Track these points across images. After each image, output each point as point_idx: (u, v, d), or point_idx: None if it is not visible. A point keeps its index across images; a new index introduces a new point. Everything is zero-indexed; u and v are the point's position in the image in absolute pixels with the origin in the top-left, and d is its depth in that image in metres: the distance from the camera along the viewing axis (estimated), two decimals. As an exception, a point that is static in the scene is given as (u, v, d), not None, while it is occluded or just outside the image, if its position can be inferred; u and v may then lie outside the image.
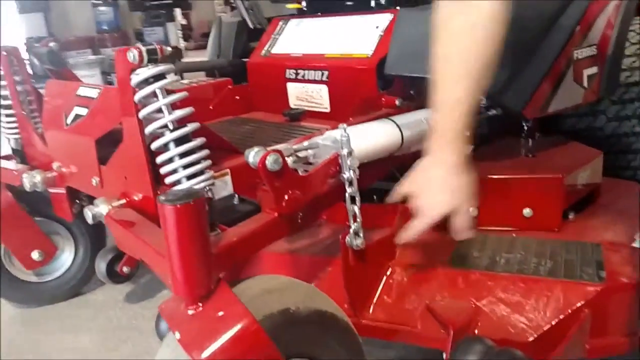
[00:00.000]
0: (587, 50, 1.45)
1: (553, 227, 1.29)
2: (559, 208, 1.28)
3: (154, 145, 0.93)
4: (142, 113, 0.92)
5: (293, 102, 1.78)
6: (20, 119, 1.52)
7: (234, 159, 1.20)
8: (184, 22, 9.77)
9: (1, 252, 1.67)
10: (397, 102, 1.50)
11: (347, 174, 1.04)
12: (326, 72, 1.64)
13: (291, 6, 1.86)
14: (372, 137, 1.13)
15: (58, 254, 1.74)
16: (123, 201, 1.11)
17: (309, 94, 1.71)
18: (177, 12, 8.58)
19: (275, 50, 1.85)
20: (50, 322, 1.67)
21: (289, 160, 1.03)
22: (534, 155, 1.42)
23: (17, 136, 1.57)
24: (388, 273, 1.21)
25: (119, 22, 6.99)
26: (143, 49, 0.90)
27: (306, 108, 1.73)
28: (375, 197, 1.53)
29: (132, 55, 0.90)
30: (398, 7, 1.59)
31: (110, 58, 6.43)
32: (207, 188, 0.96)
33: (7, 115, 1.55)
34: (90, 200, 1.17)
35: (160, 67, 0.91)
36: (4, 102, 1.54)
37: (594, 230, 1.30)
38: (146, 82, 0.91)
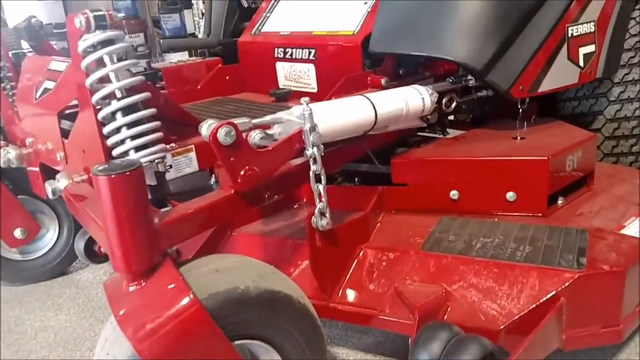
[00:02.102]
0: (584, 27, 1.37)
1: (538, 211, 1.22)
2: (544, 192, 1.21)
3: (100, 115, 0.89)
4: (89, 81, 0.88)
5: (282, 83, 1.73)
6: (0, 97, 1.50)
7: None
8: (203, 9, 9.75)
9: (-17, 229, 1.66)
10: (382, 82, 1.43)
11: (311, 151, 0.99)
12: (313, 51, 1.59)
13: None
14: (341, 113, 1.08)
15: (42, 232, 1.73)
16: (85, 176, 1.08)
17: (297, 74, 1.67)
18: (196, -2, 8.55)
19: (266, 29, 1.80)
20: (33, 300, 1.66)
21: (256, 136, 0.98)
22: (523, 138, 1.35)
23: (-2, 113, 1.56)
24: (360, 256, 1.16)
25: (136, 9, 7.00)
26: (90, 14, 0.86)
27: (294, 88, 1.69)
28: (357, 179, 1.48)
29: (79, 21, 0.86)
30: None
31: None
32: (157, 161, 0.92)
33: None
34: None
35: (108, 33, 0.87)
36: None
37: (581, 216, 1.23)
38: (94, 48, 0.87)
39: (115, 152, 0.90)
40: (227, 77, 1.87)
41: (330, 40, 1.54)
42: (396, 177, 1.30)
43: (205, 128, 0.90)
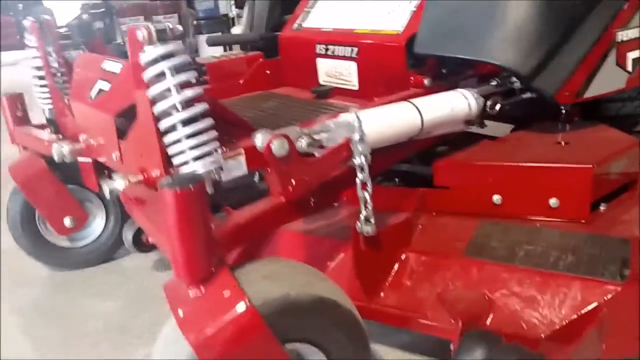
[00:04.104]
0: (634, 32, 1.35)
1: (581, 218, 1.23)
2: (587, 199, 1.21)
3: (162, 126, 0.93)
4: (152, 92, 0.92)
5: (322, 79, 1.75)
6: (52, 90, 1.55)
7: (249, 139, 1.19)
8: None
9: (36, 217, 1.73)
10: (426, 82, 1.44)
11: (358, 160, 1.01)
12: (355, 49, 1.60)
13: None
14: (388, 121, 1.10)
15: (90, 220, 1.80)
16: (140, 177, 1.13)
17: (338, 71, 1.68)
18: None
19: (307, 24, 1.81)
20: (80, 286, 1.75)
21: (303, 142, 1.01)
22: (567, 142, 1.34)
23: (50, 106, 1.61)
24: (402, 259, 1.19)
25: (170, -11, 7.03)
26: (152, 28, 0.90)
27: (335, 85, 1.70)
28: (397, 179, 1.50)
29: (142, 34, 0.90)
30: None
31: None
32: (215, 171, 0.96)
33: (41, 86, 1.59)
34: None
35: (169, 46, 0.91)
36: (37, 73, 1.58)
37: (624, 224, 1.23)
38: (155, 61, 0.91)
39: (175, 162, 0.94)
40: (268, 72, 1.89)
41: (373, 39, 1.55)
42: (438, 179, 1.31)
43: (260, 139, 0.93)
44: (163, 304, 0.90)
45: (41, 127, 1.69)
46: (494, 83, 1.38)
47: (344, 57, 1.64)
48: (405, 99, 1.36)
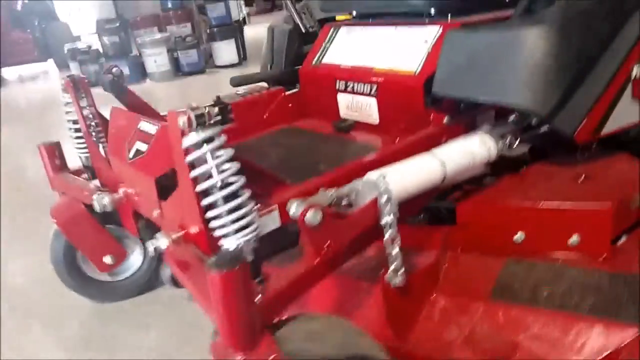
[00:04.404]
0: (648, 65, 1.38)
1: (602, 253, 1.28)
2: (607, 237, 1.26)
3: (204, 202, 1.00)
4: (194, 173, 0.99)
5: (343, 112, 1.81)
6: (88, 141, 1.64)
7: (281, 192, 1.26)
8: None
9: (78, 255, 1.83)
10: (445, 120, 1.50)
11: (386, 219, 1.08)
12: (374, 87, 1.65)
13: (341, 17, 1.86)
14: (413, 177, 1.16)
15: (128, 255, 1.90)
16: (181, 233, 1.20)
17: (358, 106, 1.74)
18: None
19: (326, 59, 1.87)
20: (124, 317, 1.84)
21: (333, 207, 1.07)
22: (586, 176, 1.38)
23: (86, 154, 1.70)
24: (431, 300, 1.25)
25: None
26: (192, 115, 0.96)
27: (356, 119, 1.76)
28: (422, 215, 1.55)
29: (182, 121, 0.97)
30: (447, 19, 1.56)
31: (175, 36, 6.62)
32: (254, 240, 1.03)
33: (77, 137, 1.68)
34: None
35: (208, 132, 0.97)
36: (73, 126, 1.67)
37: (645, 259, 1.27)
38: (196, 146, 0.98)
39: (217, 234, 1.01)
40: (290, 105, 1.96)
41: (391, 79, 1.60)
42: (461, 219, 1.37)
43: (294, 209, 1.00)
44: (203, 335, 0.98)
45: (78, 172, 1.78)
46: (511, 119, 1.42)
47: (364, 94, 1.70)
48: (426, 140, 1.44)
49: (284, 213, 1.22)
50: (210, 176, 0.99)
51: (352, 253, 1.16)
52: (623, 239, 1.31)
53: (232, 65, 6.72)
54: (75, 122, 1.66)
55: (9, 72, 9.16)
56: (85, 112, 1.62)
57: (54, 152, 1.77)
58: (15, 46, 8.62)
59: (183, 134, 0.99)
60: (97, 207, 1.50)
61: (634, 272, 1.20)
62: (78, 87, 1.62)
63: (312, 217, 0.97)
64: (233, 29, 6.75)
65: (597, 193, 1.30)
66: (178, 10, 6.91)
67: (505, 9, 1.61)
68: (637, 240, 1.33)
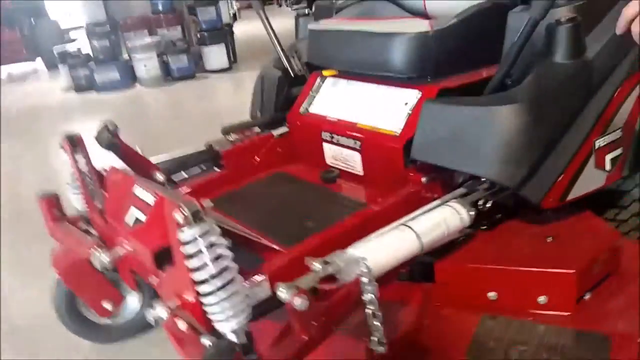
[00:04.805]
0: (611, 136, 1.48)
1: (568, 311, 1.38)
2: (572, 297, 1.37)
3: (199, 288, 1.09)
4: (190, 265, 1.08)
5: (329, 160, 1.90)
6: (85, 196, 1.71)
7: (270, 260, 1.36)
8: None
9: (78, 301, 1.92)
10: (423, 180, 1.60)
11: (368, 296, 1.18)
12: (358, 142, 1.75)
13: (327, 73, 1.94)
14: (392, 252, 1.26)
15: (127, 299, 1.98)
16: (178, 302, 1.29)
17: (343, 157, 1.83)
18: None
19: (313, 109, 1.96)
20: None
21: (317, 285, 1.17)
22: (553, 237, 1.49)
23: (84, 206, 1.77)
24: None
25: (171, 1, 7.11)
26: (187, 212, 1.05)
27: (342, 168, 1.86)
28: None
29: (179, 217, 1.06)
30: (426, 81, 1.65)
31: (165, 40, 6.65)
32: (248, 324, 1.12)
33: (74, 191, 1.75)
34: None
35: (204, 226, 1.06)
36: (70, 180, 1.74)
37: (606, 317, 1.38)
38: (192, 239, 1.07)
39: (211, 317, 1.10)
40: (279, 149, 2.05)
41: (374, 137, 1.70)
42: (439, 277, 1.47)
43: (284, 294, 1.10)
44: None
45: (76, 220, 1.85)
46: (484, 186, 1.52)
47: (348, 147, 1.79)
48: (406, 200, 1.54)
49: (273, 282, 1.31)
50: (205, 264, 1.08)
51: (337, 324, 1.26)
52: (587, 296, 1.43)
53: (222, 70, 6.76)
54: (72, 174, 1.73)
55: (-1, 71, 9.13)
56: (82, 168, 1.69)
57: (53, 203, 1.84)
58: (4, 45, 8.58)
59: (179, 225, 1.08)
60: (97, 266, 1.58)
61: (595, 331, 1.32)
62: (75, 145, 1.69)
63: (301, 304, 1.07)
64: (223, 33, 6.78)
65: (563, 255, 1.41)
66: (168, 14, 6.92)
67: (482, 68, 1.70)
68: (600, 296, 1.44)
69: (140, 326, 2.03)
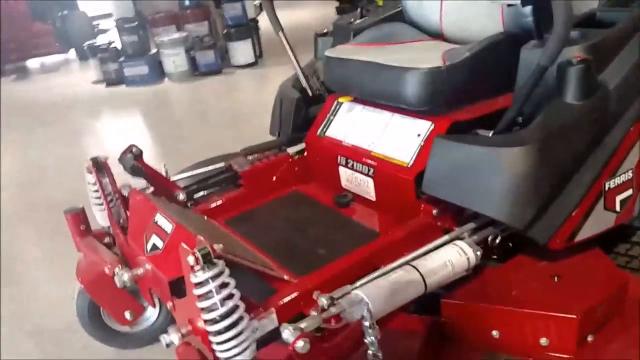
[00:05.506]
0: (622, 177, 1.49)
1: (569, 354, 1.41)
2: (574, 340, 1.39)
3: (208, 328, 1.16)
4: (200, 305, 1.15)
5: (344, 183, 1.94)
6: (110, 218, 1.79)
7: (279, 292, 1.41)
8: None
9: (101, 311, 2.02)
10: (434, 212, 1.63)
11: (369, 339, 1.22)
12: (372, 169, 1.78)
13: (342, 100, 1.98)
14: (396, 294, 1.30)
15: (148, 309, 2.07)
16: (189, 327, 1.36)
17: (357, 182, 1.87)
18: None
19: (329, 132, 2.00)
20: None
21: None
22: (559, 276, 1.50)
23: (108, 223, 1.86)
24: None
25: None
26: (199, 255, 1.12)
27: (355, 192, 1.90)
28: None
29: (192, 259, 1.12)
30: (438, 113, 1.68)
31: (192, 36, 6.73)
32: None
33: (100, 210, 1.84)
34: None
35: (214, 269, 1.12)
36: (96, 201, 1.82)
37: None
38: (204, 282, 1.13)
39: (219, 355, 1.17)
40: (296, 169, 2.10)
41: (386, 166, 1.73)
42: (445, 313, 1.51)
43: (286, 335, 1.15)
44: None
45: (101, 235, 1.94)
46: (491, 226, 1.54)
47: (362, 173, 1.83)
48: (416, 233, 1.57)
49: (281, 316, 1.37)
50: (214, 304, 1.15)
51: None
52: (590, 338, 1.44)
53: (248, 65, 6.81)
54: (98, 197, 1.81)
55: (32, 62, 9.36)
56: (107, 190, 1.77)
57: (79, 218, 1.93)
58: (36, 38, 8.79)
59: (192, 268, 1.14)
60: (117, 284, 1.66)
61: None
62: (100, 169, 1.76)
63: (302, 347, 1.13)
64: (249, 29, 6.81)
65: (567, 298, 1.43)
66: (195, 9, 6.99)
67: (497, 96, 1.71)
68: (603, 339, 1.46)
69: (158, 335, 2.11)
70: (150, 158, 4.23)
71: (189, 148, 4.10)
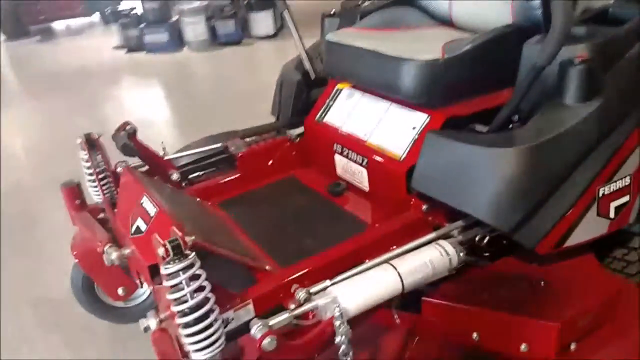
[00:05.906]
0: (618, 184, 1.43)
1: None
2: (554, 348, 1.36)
3: (177, 321, 1.16)
4: (170, 296, 1.15)
5: (339, 171, 1.92)
6: (103, 198, 1.80)
7: (258, 284, 1.41)
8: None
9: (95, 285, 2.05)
10: (424, 207, 1.60)
11: (340, 338, 1.21)
12: (366, 159, 1.75)
13: (341, 86, 1.93)
14: (371, 292, 1.28)
15: (142, 284, 2.10)
16: (168, 312, 1.37)
17: (352, 171, 1.84)
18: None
19: (327, 118, 1.96)
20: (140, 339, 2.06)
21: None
22: (545, 282, 1.47)
23: (101, 199, 1.87)
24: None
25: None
26: (169, 246, 1.11)
27: (350, 181, 1.87)
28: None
29: (161, 251, 1.12)
30: (435, 106, 1.63)
31: (213, 4, 6.66)
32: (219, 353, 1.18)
33: (93, 187, 1.85)
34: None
35: (184, 263, 1.12)
36: (89, 177, 1.83)
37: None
38: (174, 274, 1.13)
39: (189, 348, 1.17)
40: (294, 153, 2.08)
41: (380, 158, 1.69)
42: (425, 312, 1.49)
43: (254, 332, 1.15)
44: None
45: (94, 210, 1.95)
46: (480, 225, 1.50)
47: (356, 162, 1.80)
48: (405, 228, 1.54)
49: (258, 307, 1.36)
50: (183, 297, 1.15)
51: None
52: (573, 346, 1.41)
53: (268, 37, 6.74)
54: (91, 174, 1.82)
55: (58, 24, 9.42)
56: (99, 169, 1.77)
57: (74, 192, 1.94)
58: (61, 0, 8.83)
59: (163, 259, 1.14)
60: (105, 262, 1.68)
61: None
62: (93, 146, 1.77)
63: (268, 344, 1.12)
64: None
65: (551, 305, 1.39)
66: (219, -20, 6.90)
67: (496, 91, 1.65)
68: (586, 348, 1.43)
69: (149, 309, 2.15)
70: (167, 128, 4.28)
71: (205, 119, 4.09)
